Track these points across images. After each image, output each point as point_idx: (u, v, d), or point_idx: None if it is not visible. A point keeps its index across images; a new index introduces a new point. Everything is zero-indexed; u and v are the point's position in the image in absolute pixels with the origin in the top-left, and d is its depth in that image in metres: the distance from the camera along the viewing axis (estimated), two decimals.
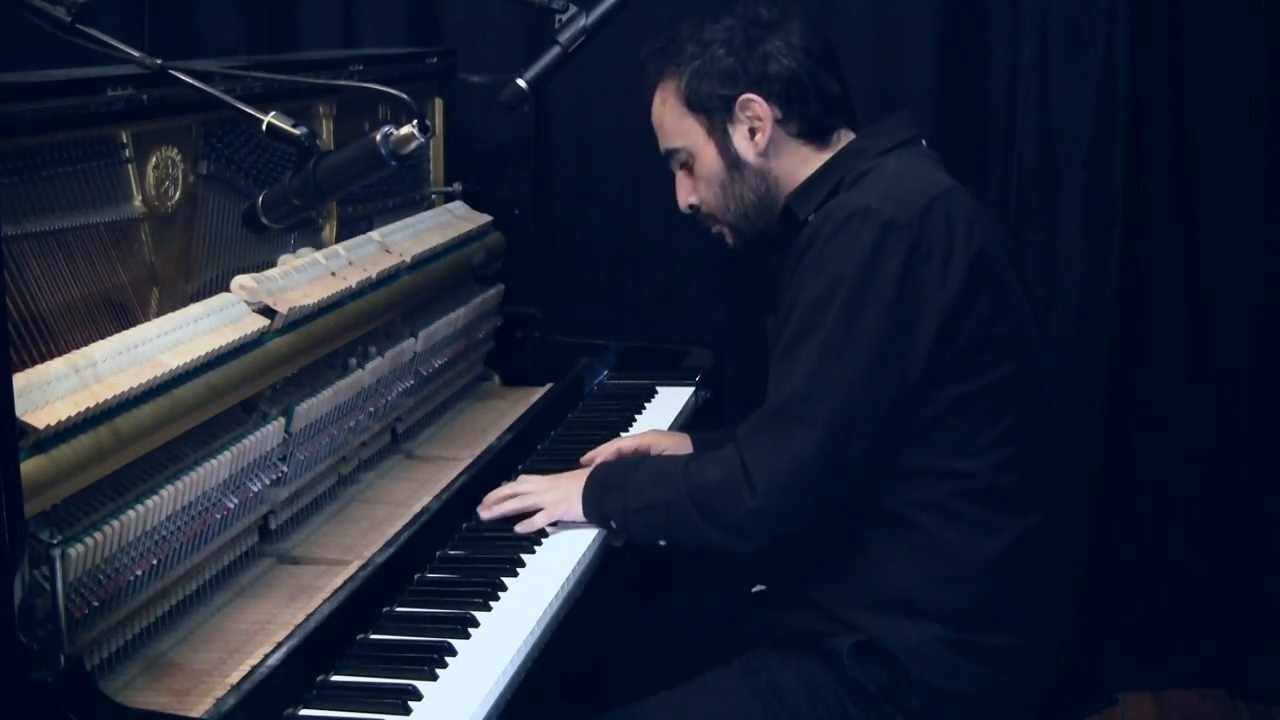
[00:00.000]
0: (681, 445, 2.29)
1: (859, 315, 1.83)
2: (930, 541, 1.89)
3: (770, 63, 2.01)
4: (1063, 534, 3.19)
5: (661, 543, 2.01)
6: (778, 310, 1.98)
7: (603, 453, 2.27)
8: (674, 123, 2.09)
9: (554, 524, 2.05)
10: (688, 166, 2.10)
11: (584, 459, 2.26)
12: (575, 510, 2.04)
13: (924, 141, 2.08)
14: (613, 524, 2.02)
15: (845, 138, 2.07)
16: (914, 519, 1.89)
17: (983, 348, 1.86)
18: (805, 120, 2.03)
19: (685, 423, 2.58)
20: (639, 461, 2.10)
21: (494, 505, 2.09)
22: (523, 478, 2.15)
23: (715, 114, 2.04)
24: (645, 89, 2.13)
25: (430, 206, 2.68)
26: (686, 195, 2.13)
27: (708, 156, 2.07)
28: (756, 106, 2.02)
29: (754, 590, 2.19)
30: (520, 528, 2.04)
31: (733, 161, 2.05)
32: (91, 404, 1.52)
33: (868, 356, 1.83)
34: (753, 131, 2.03)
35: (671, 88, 2.07)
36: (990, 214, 1.99)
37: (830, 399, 1.84)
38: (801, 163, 2.05)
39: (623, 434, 2.42)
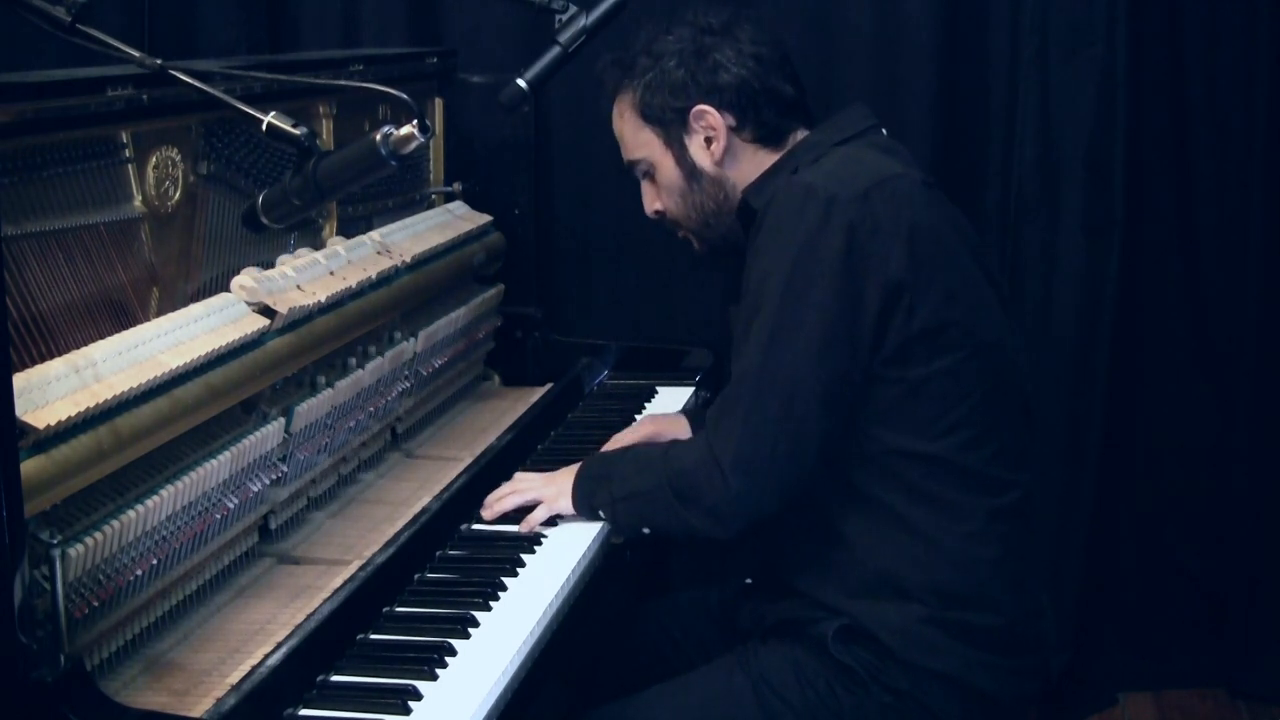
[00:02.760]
0: (681, 430, 2.33)
1: (806, 290, 1.86)
2: (904, 523, 1.91)
3: (720, 72, 2.06)
4: (1063, 534, 3.20)
5: (645, 530, 2.03)
6: (739, 299, 2.00)
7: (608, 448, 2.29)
8: (632, 135, 2.15)
9: (554, 521, 2.07)
10: (650, 176, 2.16)
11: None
12: (570, 505, 2.07)
13: (884, 131, 2.10)
14: (601, 514, 2.04)
15: (801, 137, 2.10)
16: (887, 501, 1.91)
17: (940, 330, 1.88)
18: (759, 125, 2.08)
19: None
20: (625, 451, 2.13)
21: (494, 504, 2.11)
22: (518, 475, 2.17)
23: (670, 126, 2.10)
24: (604, 100, 2.19)
25: (430, 206, 2.68)
26: (651, 202, 2.20)
27: (666, 167, 2.12)
28: (710, 117, 2.07)
29: (746, 582, 2.21)
30: (522, 526, 2.05)
31: (690, 171, 2.11)
32: (91, 404, 1.52)
33: (816, 330, 1.85)
34: (708, 141, 2.09)
35: (628, 101, 2.13)
36: (943, 201, 2.00)
37: (782, 374, 1.86)
38: (757, 167, 2.09)
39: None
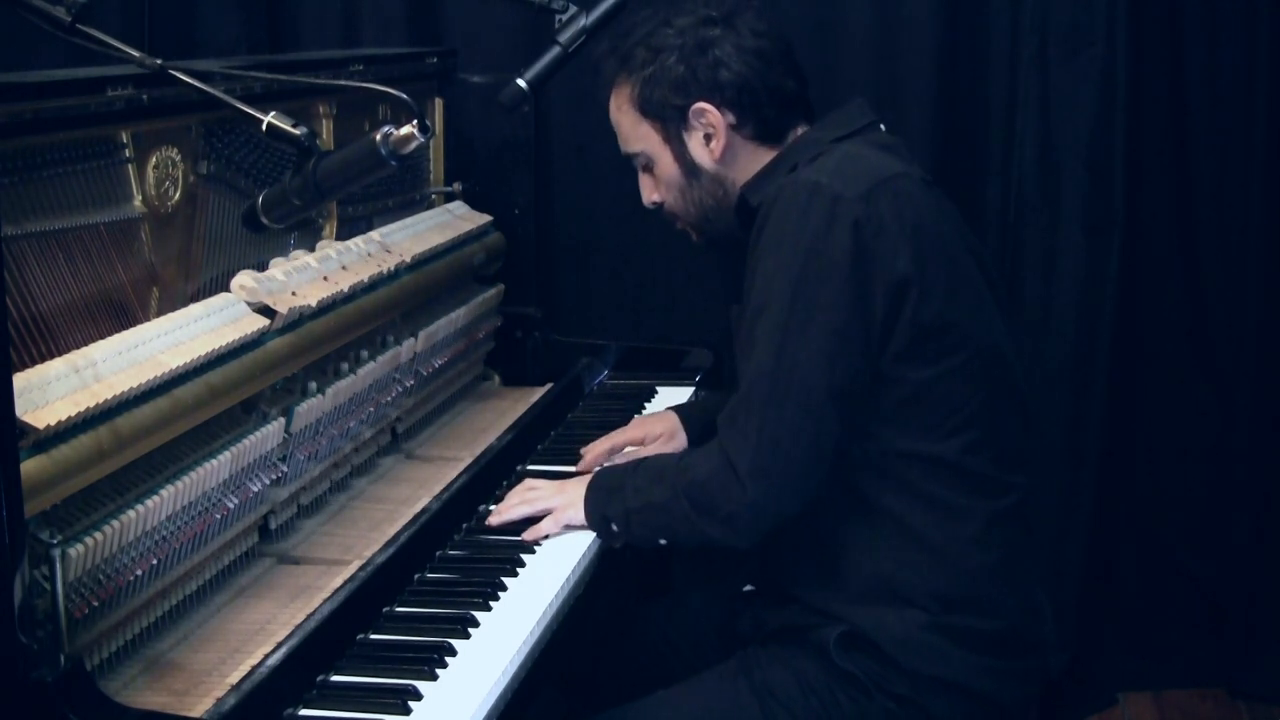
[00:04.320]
0: (672, 429, 2.33)
1: (815, 290, 1.84)
2: (904, 527, 1.90)
3: (721, 69, 2.01)
4: (1063, 534, 3.20)
5: (662, 541, 2.01)
6: (740, 298, 1.98)
7: (595, 450, 2.29)
8: (630, 128, 2.11)
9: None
10: (649, 168, 2.13)
11: (579, 466, 2.28)
12: (581, 516, 2.04)
13: (883, 127, 2.08)
14: (614, 526, 2.02)
15: (800, 132, 2.07)
16: (887, 505, 1.90)
17: (944, 330, 1.86)
18: (760, 123, 2.04)
19: None
20: (638, 463, 2.10)
21: (503, 512, 2.09)
22: (529, 481, 2.15)
23: (669, 122, 2.06)
24: (600, 88, 2.14)
25: (430, 206, 2.68)
26: (649, 194, 2.16)
27: (665, 162, 2.09)
28: (710, 115, 2.03)
29: (745, 590, 2.20)
30: (527, 535, 2.03)
31: (689, 168, 2.08)
32: (91, 404, 1.52)
33: (828, 330, 1.83)
34: (708, 138, 2.05)
35: (625, 94, 2.09)
36: (943, 200, 1.98)
37: (796, 376, 1.84)
38: (756, 163, 2.06)
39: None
